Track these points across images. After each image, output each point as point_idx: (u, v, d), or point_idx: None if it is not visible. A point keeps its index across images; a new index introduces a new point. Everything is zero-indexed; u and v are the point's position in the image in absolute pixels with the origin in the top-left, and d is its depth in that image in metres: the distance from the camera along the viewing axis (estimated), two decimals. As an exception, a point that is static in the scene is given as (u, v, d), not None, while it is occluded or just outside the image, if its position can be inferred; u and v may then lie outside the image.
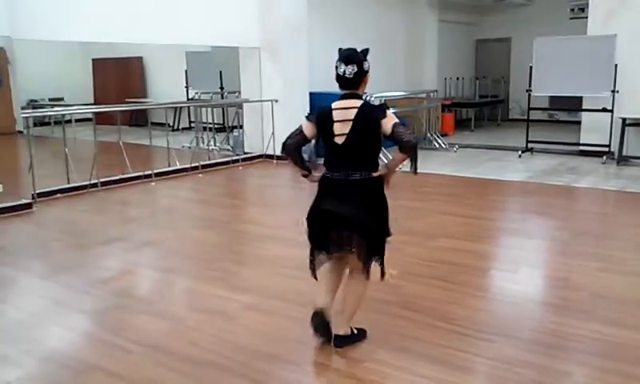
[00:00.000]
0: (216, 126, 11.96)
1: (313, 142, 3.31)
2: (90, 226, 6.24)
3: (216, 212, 6.90)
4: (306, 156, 3.40)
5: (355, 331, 3.33)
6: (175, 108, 13.39)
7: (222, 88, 11.60)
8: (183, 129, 13.54)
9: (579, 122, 10.29)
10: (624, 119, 9.02)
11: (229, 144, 10.72)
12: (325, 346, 3.29)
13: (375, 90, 8.15)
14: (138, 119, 13.60)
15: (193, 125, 12.78)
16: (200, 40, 9.47)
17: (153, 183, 8.07)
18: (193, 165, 8.86)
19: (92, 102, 14.65)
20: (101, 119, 9.04)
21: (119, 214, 6.79)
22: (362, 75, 3.10)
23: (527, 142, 10.25)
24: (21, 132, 7.30)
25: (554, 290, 4.28)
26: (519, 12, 15.12)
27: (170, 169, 8.72)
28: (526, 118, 10.76)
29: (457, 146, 10.82)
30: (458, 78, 15.24)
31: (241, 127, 10.54)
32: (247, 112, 10.29)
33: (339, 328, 3.28)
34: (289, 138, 3.24)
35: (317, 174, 3.26)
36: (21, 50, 7.57)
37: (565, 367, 3.13)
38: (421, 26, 13.66)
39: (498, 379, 3.00)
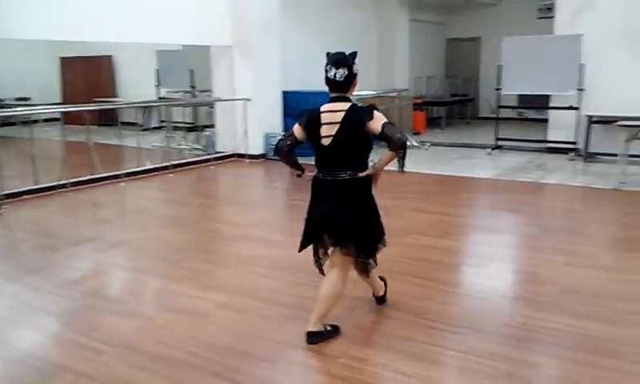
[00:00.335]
0: (187, 125, 11.86)
1: None
2: (59, 227, 6.13)
3: (187, 212, 6.84)
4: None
5: (328, 328, 3.35)
6: (145, 107, 13.24)
7: (193, 87, 11.50)
8: (154, 128, 13.38)
9: (547, 120, 10.48)
10: (590, 117, 9.21)
11: (200, 143, 10.65)
12: (298, 344, 3.29)
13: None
14: (108, 119, 13.39)
15: (163, 124, 12.64)
16: (171, 39, 9.36)
17: (123, 183, 7.97)
18: (163, 164, 8.77)
19: (60, 101, 14.39)
20: (69, 119, 8.89)
21: (89, 214, 6.68)
22: (351, 78, 3.18)
23: (497, 139, 10.41)
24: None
25: (524, 285, 4.35)
26: (488, 12, 15.35)
27: (141, 169, 8.62)
28: (495, 116, 10.93)
29: (428, 144, 10.92)
30: (429, 77, 15.38)
31: (213, 126, 10.47)
32: (219, 111, 10.22)
33: (312, 325, 3.30)
34: (281, 140, 3.34)
35: (310, 174, 3.35)
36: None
37: (535, 359, 3.18)
38: (392, 25, 13.76)
39: (470, 372, 3.04)
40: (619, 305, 3.81)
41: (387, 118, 3.18)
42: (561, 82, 9.41)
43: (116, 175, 8.07)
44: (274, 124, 9.84)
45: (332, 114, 3.16)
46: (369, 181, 3.26)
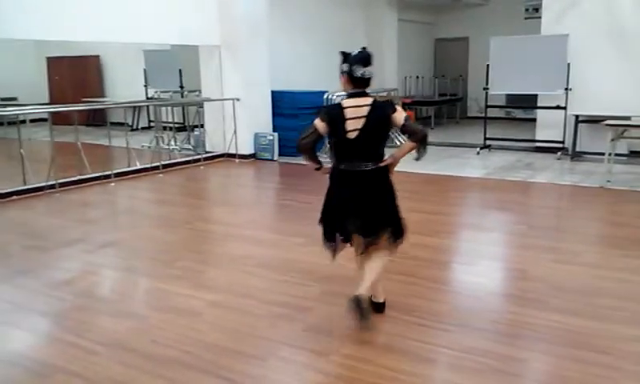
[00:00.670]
0: (176, 125, 11.83)
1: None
2: (48, 228, 6.10)
3: (177, 212, 6.84)
4: None
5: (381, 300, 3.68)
6: (134, 107, 13.19)
7: (181, 87, 11.47)
8: (143, 128, 13.35)
9: (535, 120, 10.57)
10: (577, 116, 9.31)
11: (189, 143, 10.63)
12: (290, 341, 3.32)
13: (336, 89, 8.20)
14: (96, 119, 13.35)
15: (152, 124, 12.61)
16: (159, 38, 9.31)
17: (112, 184, 7.94)
18: (153, 165, 8.75)
19: (48, 101, 14.29)
20: (57, 119, 8.82)
21: (79, 215, 6.65)
22: (372, 75, 3.38)
23: (485, 139, 10.47)
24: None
25: (513, 282, 4.41)
26: (476, 12, 15.45)
27: (130, 169, 8.60)
28: (483, 115, 11.00)
29: (417, 144, 10.95)
30: (417, 77, 15.47)
31: (202, 126, 10.47)
32: (208, 111, 10.21)
33: (379, 296, 3.65)
34: (304, 137, 3.41)
35: (328, 167, 3.49)
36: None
37: (524, 355, 3.23)
38: (380, 25, 13.81)
39: (459, 368, 3.07)
40: (605, 301, 3.87)
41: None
42: (548, 82, 9.48)
43: (105, 175, 8.05)
44: (264, 124, 9.85)
45: (357, 109, 3.29)
46: (387, 169, 3.44)
